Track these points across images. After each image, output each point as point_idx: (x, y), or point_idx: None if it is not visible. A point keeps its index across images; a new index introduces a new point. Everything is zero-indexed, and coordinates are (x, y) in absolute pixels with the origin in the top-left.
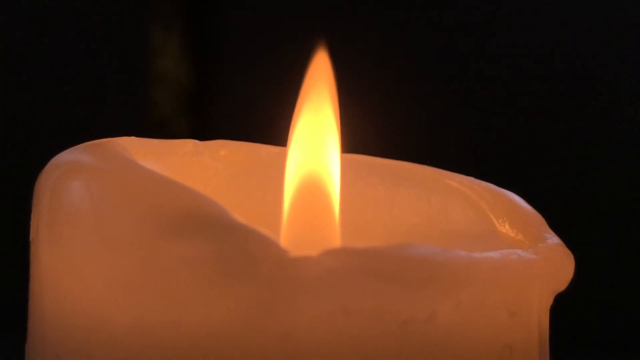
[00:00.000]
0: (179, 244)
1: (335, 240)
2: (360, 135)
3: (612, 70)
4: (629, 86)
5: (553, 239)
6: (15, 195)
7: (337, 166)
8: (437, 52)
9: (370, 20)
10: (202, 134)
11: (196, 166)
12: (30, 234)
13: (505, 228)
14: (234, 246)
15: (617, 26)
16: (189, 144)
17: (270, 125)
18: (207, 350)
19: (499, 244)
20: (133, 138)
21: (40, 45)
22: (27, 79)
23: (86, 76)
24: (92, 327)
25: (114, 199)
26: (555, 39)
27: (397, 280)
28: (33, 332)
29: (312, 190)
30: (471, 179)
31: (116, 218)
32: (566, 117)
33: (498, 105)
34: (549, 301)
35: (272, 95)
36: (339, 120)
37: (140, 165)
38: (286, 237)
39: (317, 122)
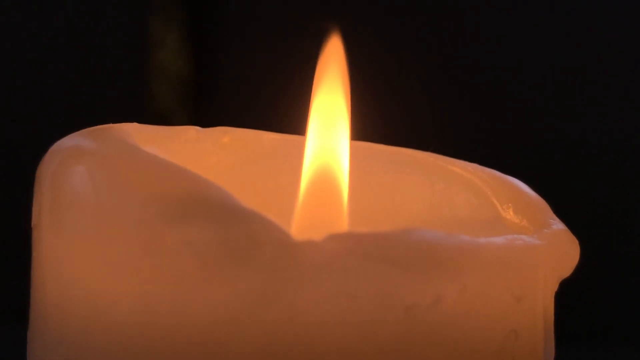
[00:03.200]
0: (183, 229)
1: (343, 228)
2: (363, 122)
3: (618, 61)
4: (635, 75)
5: (558, 225)
6: (16, 182)
7: (346, 156)
8: (446, 41)
9: (378, 10)
10: (202, 125)
11: (198, 153)
12: (32, 219)
13: (509, 214)
14: (237, 231)
15: (619, 17)
16: (192, 131)
17: (270, 117)
18: (211, 335)
19: (503, 230)
20: (135, 124)
21: (41, 36)
22: (28, 70)
23: (86, 68)
24: (95, 313)
25: (117, 183)
26: (562, 30)
27: (402, 265)
28: (35, 319)
29: (323, 180)
30: (475, 165)
31: (119, 203)
32: (571, 104)
33: (504, 93)
34: (554, 287)
35: (272, 87)
36: (349, 105)
37: (143, 150)
38: (297, 226)
39: (329, 107)
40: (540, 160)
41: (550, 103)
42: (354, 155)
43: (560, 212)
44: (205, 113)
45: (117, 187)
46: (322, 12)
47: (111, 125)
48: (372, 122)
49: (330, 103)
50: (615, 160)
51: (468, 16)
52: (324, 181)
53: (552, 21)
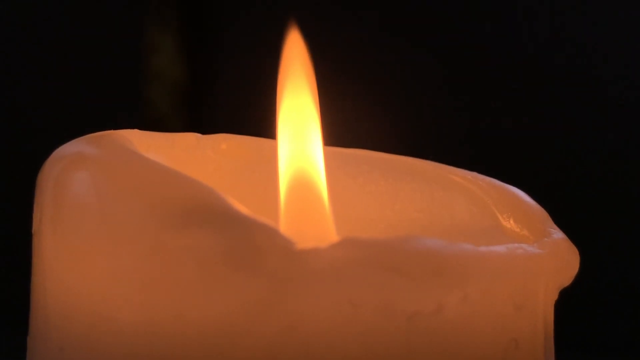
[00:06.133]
0: (185, 236)
1: (330, 229)
2: (362, 130)
3: (616, 64)
4: (635, 79)
5: (558, 234)
6: (17, 187)
7: (321, 158)
8: (449, 47)
9: (364, 19)
10: (197, 130)
11: (198, 159)
12: (33, 226)
13: (509, 223)
14: (240, 238)
15: (617, 22)
16: (191, 137)
17: (265, 122)
18: (213, 343)
19: (503, 239)
20: (135, 130)
21: (38, 42)
22: (25, 76)
23: (82, 73)
24: (96, 320)
25: (119, 190)
26: (556, 33)
27: (405, 273)
28: (36, 325)
29: (300, 184)
30: (475, 174)
31: (121, 210)
32: (571, 111)
33: (502, 100)
34: (554, 296)
35: (267, 92)
36: (317, 103)
37: (145, 156)
38: (284, 231)
39: (296, 108)
40: (539, 169)
41: (551, 112)
42: (352, 164)
43: (560, 221)
44: (200, 119)
45: (120, 194)
46: (320, 21)
47: (112, 131)
48: (371, 130)
49: (298, 106)
50: (615, 170)
51: (456, 15)
52: (302, 186)
53: (552, 25)
